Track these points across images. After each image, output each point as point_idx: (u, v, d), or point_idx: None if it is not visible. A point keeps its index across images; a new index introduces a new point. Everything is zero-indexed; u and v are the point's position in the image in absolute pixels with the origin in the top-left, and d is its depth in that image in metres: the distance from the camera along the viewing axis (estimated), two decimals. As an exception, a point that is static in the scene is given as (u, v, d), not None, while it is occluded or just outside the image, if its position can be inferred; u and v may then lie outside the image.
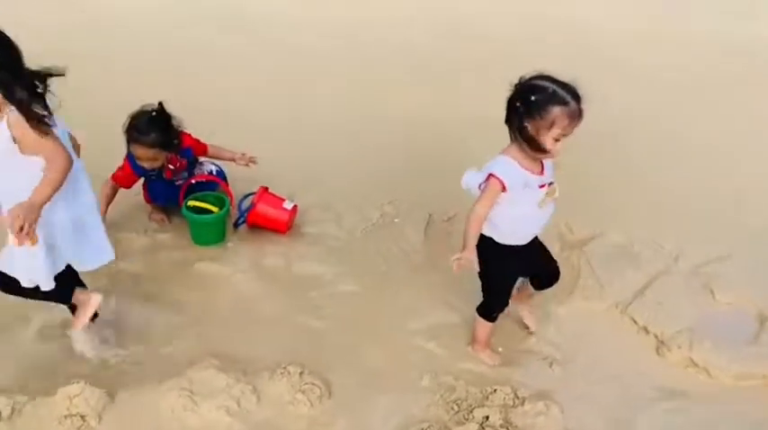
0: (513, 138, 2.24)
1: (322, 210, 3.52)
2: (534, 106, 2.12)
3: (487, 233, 2.37)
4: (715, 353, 2.65)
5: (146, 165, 3.11)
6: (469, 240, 2.27)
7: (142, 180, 3.27)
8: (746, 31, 5.90)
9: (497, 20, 6.04)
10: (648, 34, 5.90)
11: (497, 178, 2.23)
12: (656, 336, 2.78)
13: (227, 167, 3.45)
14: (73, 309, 2.46)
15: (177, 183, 3.27)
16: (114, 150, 3.16)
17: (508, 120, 2.24)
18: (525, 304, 2.81)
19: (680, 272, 3.13)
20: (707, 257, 3.21)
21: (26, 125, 1.98)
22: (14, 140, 2.01)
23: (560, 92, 2.12)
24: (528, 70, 2.20)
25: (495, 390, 2.39)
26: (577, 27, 5.95)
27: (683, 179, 3.92)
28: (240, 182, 3.46)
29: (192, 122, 3.25)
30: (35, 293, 2.25)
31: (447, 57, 5.40)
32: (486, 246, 2.36)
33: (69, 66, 2.06)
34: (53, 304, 2.52)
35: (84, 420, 2.17)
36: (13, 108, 1.98)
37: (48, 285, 2.20)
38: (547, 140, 2.15)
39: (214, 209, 3.20)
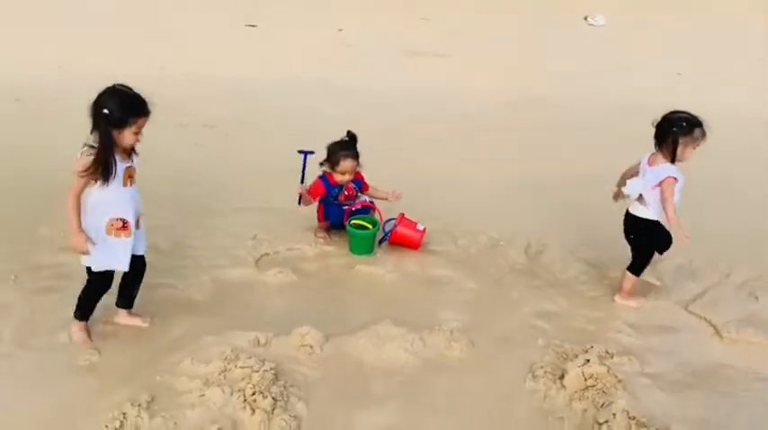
0: (665, 152, 3.49)
1: (442, 235, 4.59)
2: (686, 128, 3.44)
3: (655, 218, 3.61)
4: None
5: (343, 177, 4.24)
6: (674, 216, 3.50)
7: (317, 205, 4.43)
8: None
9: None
10: None
11: (673, 178, 3.47)
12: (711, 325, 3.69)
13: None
14: None
15: (344, 208, 4.42)
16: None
17: (661, 140, 3.50)
18: None
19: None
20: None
21: None
22: None
23: (698, 119, 3.48)
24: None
25: (592, 346, 3.31)
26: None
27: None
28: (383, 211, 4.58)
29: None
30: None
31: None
32: (656, 225, 3.66)
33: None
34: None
35: (312, 348, 3.21)
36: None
37: None
38: (686, 153, 3.48)
39: (370, 226, 4.31)
